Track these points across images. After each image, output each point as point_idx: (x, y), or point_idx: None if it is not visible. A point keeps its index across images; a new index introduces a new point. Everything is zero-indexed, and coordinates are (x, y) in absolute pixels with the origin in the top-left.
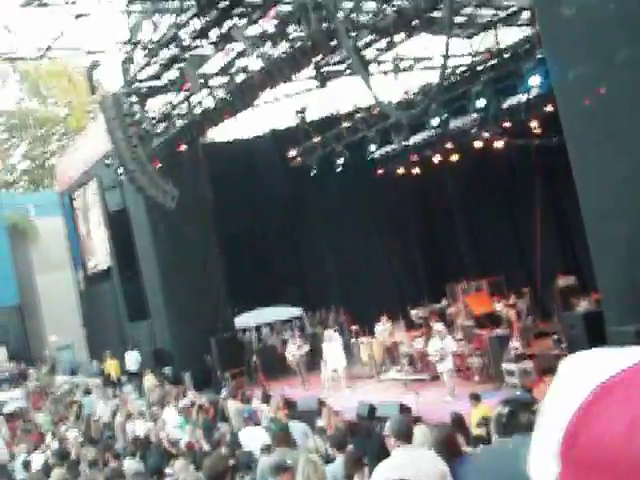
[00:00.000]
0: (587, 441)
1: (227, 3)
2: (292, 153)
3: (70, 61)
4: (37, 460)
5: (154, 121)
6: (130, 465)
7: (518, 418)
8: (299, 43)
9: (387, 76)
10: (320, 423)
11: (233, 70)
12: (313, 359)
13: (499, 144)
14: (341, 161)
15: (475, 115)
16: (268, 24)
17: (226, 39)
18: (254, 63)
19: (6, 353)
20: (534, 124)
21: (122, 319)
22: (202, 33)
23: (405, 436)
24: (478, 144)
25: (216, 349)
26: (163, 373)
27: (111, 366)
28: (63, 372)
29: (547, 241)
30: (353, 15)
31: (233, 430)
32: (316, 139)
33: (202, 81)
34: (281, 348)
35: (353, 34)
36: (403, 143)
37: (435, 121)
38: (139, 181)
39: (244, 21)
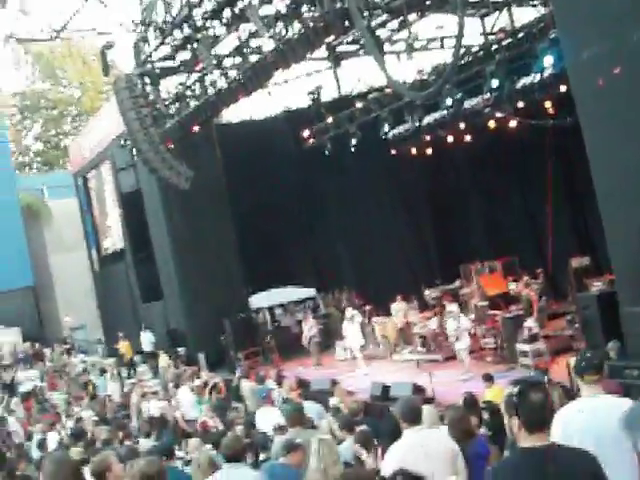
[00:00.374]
0: None
1: None
2: (305, 134)
3: (84, 42)
4: (52, 439)
5: (167, 102)
6: (145, 444)
7: (529, 397)
8: (312, 23)
9: (400, 56)
10: (333, 403)
11: (246, 51)
12: (326, 340)
13: (512, 124)
14: (354, 142)
15: (489, 95)
16: (281, 4)
17: (239, 19)
18: (267, 43)
19: (21, 334)
20: (548, 104)
21: (136, 300)
22: (215, 13)
23: (413, 417)
24: (492, 124)
25: (230, 329)
26: (177, 353)
27: (124, 347)
28: (77, 352)
29: (561, 222)
30: None
31: (247, 410)
32: (329, 120)
33: (215, 62)
34: (295, 328)
35: (366, 14)
36: (416, 123)
37: (449, 101)
38: (152, 162)
39: (257, 1)
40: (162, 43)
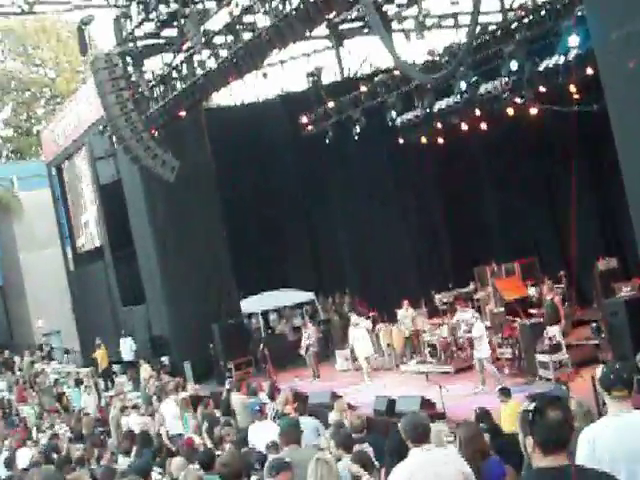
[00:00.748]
0: None
1: None
2: (304, 119)
3: (59, 17)
4: (23, 457)
5: (151, 84)
6: (124, 463)
7: (546, 415)
8: None
9: (410, 35)
10: (333, 418)
11: (239, 28)
12: (326, 349)
13: (533, 111)
14: (358, 129)
15: (507, 79)
16: None
17: None
18: (262, 20)
19: None
20: (573, 89)
21: (115, 303)
22: None
23: (420, 435)
24: (510, 111)
25: (219, 336)
26: (160, 363)
27: (99, 355)
28: (49, 361)
29: (586, 220)
30: None
31: (238, 425)
32: (331, 104)
33: (204, 40)
34: (291, 336)
35: None
36: (427, 109)
37: (463, 85)
38: (134, 150)
39: None
40: (146, 19)
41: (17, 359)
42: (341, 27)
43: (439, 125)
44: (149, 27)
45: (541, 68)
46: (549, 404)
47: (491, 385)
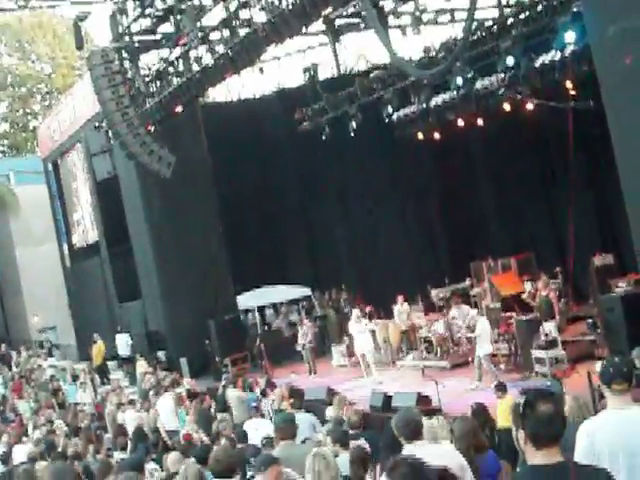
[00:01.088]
0: None
1: None
2: (300, 115)
3: (55, 13)
4: (19, 452)
5: (147, 80)
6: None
7: (537, 409)
8: None
9: (406, 30)
10: (330, 414)
11: (235, 23)
12: (322, 344)
13: (530, 107)
14: (354, 125)
15: (503, 74)
16: None
17: None
18: (258, 15)
19: None
20: (569, 85)
21: (111, 298)
22: None
23: (412, 432)
24: (506, 107)
25: (215, 332)
26: (156, 358)
27: (94, 350)
28: (46, 356)
29: (582, 215)
30: None
31: (234, 421)
32: (327, 100)
33: (200, 35)
34: (287, 331)
35: None
36: (423, 105)
37: (459, 81)
38: (130, 146)
39: None
40: (142, 14)
41: (14, 354)
42: (337, 23)
43: (435, 120)
44: (145, 23)
45: (537, 64)
46: (540, 398)
47: (487, 381)
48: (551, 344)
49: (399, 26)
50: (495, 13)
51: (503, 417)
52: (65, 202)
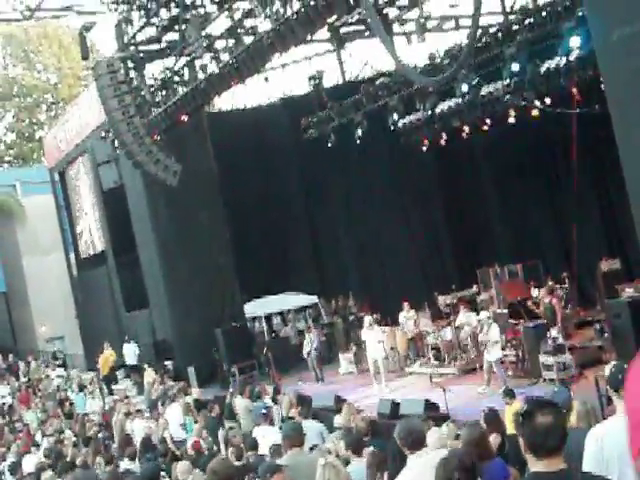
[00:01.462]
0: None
1: None
2: (306, 123)
3: (60, 23)
4: (28, 462)
5: (153, 89)
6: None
7: (534, 419)
8: (313, 1)
9: (411, 37)
10: (337, 422)
11: (240, 32)
12: (329, 352)
13: (535, 113)
14: (360, 132)
15: (509, 81)
16: None
17: None
18: (263, 24)
19: None
20: (574, 90)
21: (119, 308)
22: None
23: (415, 442)
24: (512, 113)
25: (223, 341)
26: (164, 367)
27: (101, 359)
28: (54, 366)
29: (589, 221)
30: None
31: (242, 429)
32: (333, 108)
33: (206, 44)
34: (295, 339)
35: None
36: (429, 112)
37: (464, 87)
38: (136, 155)
39: None
40: (147, 24)
41: (21, 364)
42: (342, 30)
43: (441, 127)
44: (150, 32)
45: (543, 70)
46: (539, 408)
47: (496, 386)
48: (558, 350)
49: (404, 33)
50: (500, 19)
51: (511, 423)
52: (72, 212)
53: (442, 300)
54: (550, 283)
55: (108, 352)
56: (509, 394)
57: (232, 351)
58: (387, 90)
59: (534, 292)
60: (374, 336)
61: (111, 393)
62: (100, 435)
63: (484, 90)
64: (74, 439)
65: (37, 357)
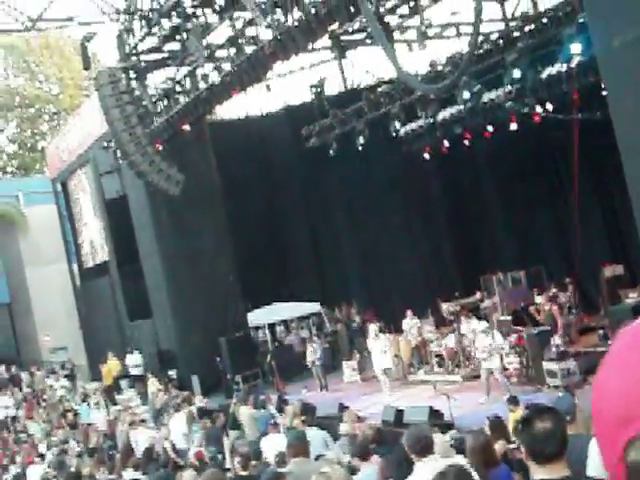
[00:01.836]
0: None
1: None
2: (308, 132)
3: (62, 33)
4: (33, 473)
5: (155, 99)
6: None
7: (534, 426)
8: (314, 9)
9: (412, 45)
10: (342, 430)
11: (241, 41)
12: (333, 360)
13: (537, 119)
14: (362, 140)
15: (510, 87)
16: None
17: (233, 6)
18: (264, 33)
19: None
20: (576, 96)
21: (122, 318)
22: (206, 0)
23: (423, 448)
24: (514, 119)
25: (226, 350)
26: (168, 377)
27: (105, 370)
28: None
29: (591, 227)
30: None
31: (246, 438)
32: (334, 116)
33: (207, 53)
34: (299, 347)
35: None
36: (430, 119)
37: (466, 94)
38: (139, 165)
39: None
40: (148, 34)
41: (24, 375)
42: (343, 38)
43: (442, 135)
44: (152, 42)
45: (544, 76)
46: (538, 415)
47: (497, 395)
48: (562, 356)
49: (405, 41)
50: (501, 26)
51: (514, 430)
52: (74, 222)
53: (445, 307)
54: (554, 290)
55: (112, 362)
56: (513, 401)
57: (236, 360)
58: (389, 98)
59: (537, 299)
60: (380, 346)
61: (115, 403)
62: (104, 445)
63: (485, 97)
64: (78, 449)
65: (40, 368)
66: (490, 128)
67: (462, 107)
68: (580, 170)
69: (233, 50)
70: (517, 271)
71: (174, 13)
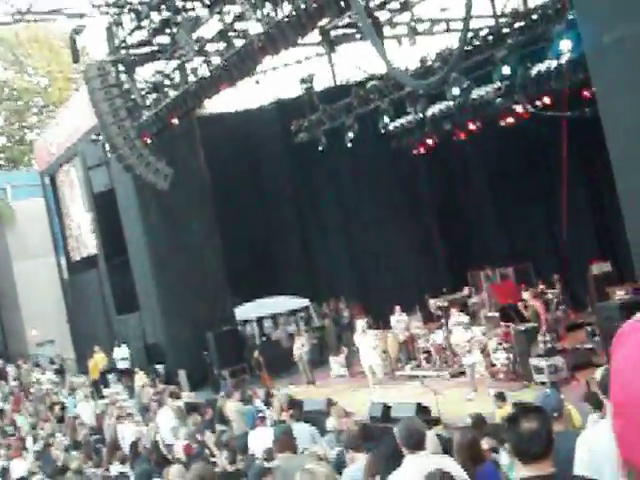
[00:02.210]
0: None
1: None
2: (297, 126)
3: (51, 26)
4: (18, 466)
5: (144, 92)
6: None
7: (519, 425)
8: (304, 4)
9: (402, 40)
10: (329, 425)
11: (231, 35)
12: (320, 355)
13: (526, 116)
14: (351, 135)
15: (499, 84)
16: None
17: (222, 0)
18: (254, 27)
19: None
20: (565, 93)
21: (110, 311)
22: None
23: (415, 442)
24: (503, 116)
25: (214, 344)
26: (155, 371)
27: (92, 363)
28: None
29: (580, 224)
30: None
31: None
32: (324, 111)
33: (196, 47)
34: (286, 342)
35: None
36: (420, 115)
37: (455, 90)
38: (127, 159)
39: None
40: (138, 27)
41: (9, 369)
42: (333, 33)
43: (432, 130)
44: (141, 35)
45: (533, 73)
46: (524, 414)
47: (483, 390)
48: (550, 352)
49: (395, 36)
50: (490, 22)
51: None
52: (62, 215)
53: (433, 303)
54: (541, 287)
55: (98, 356)
56: (500, 397)
57: (223, 354)
58: (378, 93)
59: (525, 295)
60: (367, 341)
61: (102, 397)
62: (91, 439)
63: (475, 93)
64: (65, 443)
65: (27, 361)
66: (479, 124)
67: (451, 103)
68: (569, 167)
69: (223, 44)
70: (505, 267)
71: (164, 6)
